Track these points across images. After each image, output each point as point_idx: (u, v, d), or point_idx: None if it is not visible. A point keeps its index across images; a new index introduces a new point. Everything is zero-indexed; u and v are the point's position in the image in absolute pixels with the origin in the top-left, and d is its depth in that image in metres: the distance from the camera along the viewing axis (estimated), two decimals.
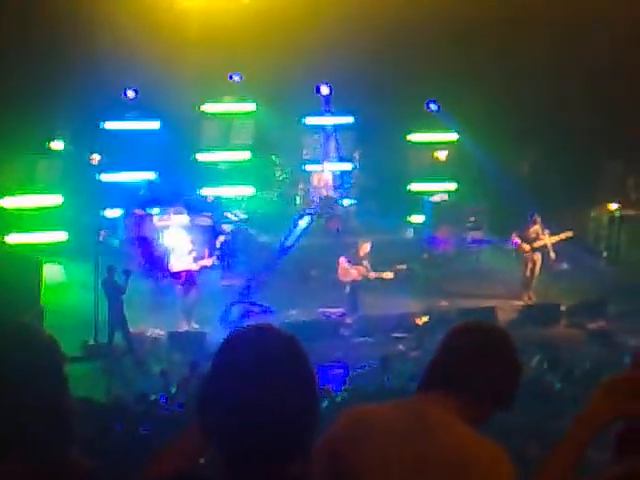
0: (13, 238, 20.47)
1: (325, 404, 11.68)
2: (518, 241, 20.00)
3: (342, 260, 18.88)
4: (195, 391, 2.71)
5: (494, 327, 3.65)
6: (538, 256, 19.91)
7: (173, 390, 13.95)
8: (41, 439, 2.97)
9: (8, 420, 2.93)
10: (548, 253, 19.83)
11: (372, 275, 18.78)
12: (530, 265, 19.99)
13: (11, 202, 20.65)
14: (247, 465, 2.57)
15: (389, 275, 18.83)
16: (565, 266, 21.10)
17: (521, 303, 19.63)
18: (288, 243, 20.90)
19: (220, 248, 20.32)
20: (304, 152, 24.49)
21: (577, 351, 15.99)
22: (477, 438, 3.32)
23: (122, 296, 17.07)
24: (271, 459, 2.57)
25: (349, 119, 24.22)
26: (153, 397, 12.97)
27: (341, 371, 15.19)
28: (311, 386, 2.64)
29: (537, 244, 19.87)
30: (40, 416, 2.97)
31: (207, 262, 18.98)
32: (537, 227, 19.92)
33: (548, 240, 19.76)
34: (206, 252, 19.29)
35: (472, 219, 22.95)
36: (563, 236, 19.87)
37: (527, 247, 19.88)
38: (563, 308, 19.19)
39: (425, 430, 3.32)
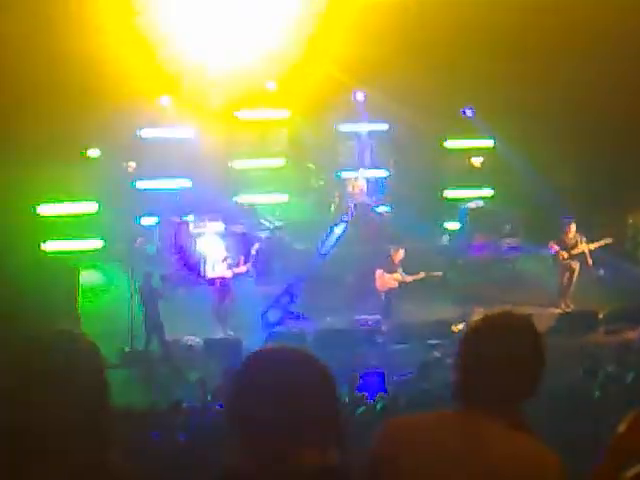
0: (50, 245, 20.60)
1: (362, 410, 11.65)
2: (556, 248, 19.86)
3: (378, 272, 18.90)
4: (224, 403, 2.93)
5: (511, 320, 3.46)
6: (576, 263, 19.74)
7: (209, 398, 13.96)
8: (82, 444, 2.98)
9: (49, 425, 2.94)
10: (585, 260, 19.66)
11: (408, 279, 18.82)
12: (567, 273, 19.82)
13: (48, 210, 20.78)
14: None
15: (422, 275, 18.93)
16: (602, 273, 20.92)
17: (558, 311, 19.47)
18: (323, 250, 20.88)
19: (255, 255, 20.32)
20: (339, 159, 24.46)
21: (615, 359, 15.80)
22: (536, 447, 3.26)
23: (159, 302, 17.17)
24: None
25: (384, 126, 24.18)
26: (185, 405, 12.95)
27: (377, 378, 15.12)
28: (329, 398, 2.86)
29: (575, 251, 19.72)
30: (81, 421, 2.97)
31: (242, 269, 19.02)
32: (574, 234, 19.75)
33: (586, 247, 19.59)
34: (241, 259, 19.32)
35: (508, 226, 22.78)
36: (602, 243, 19.68)
37: (565, 254, 19.72)
38: (601, 315, 19.00)
39: (480, 446, 3.26)
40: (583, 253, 19.65)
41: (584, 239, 19.69)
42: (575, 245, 19.71)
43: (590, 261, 19.69)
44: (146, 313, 17.31)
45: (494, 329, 3.38)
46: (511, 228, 22.70)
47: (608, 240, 19.70)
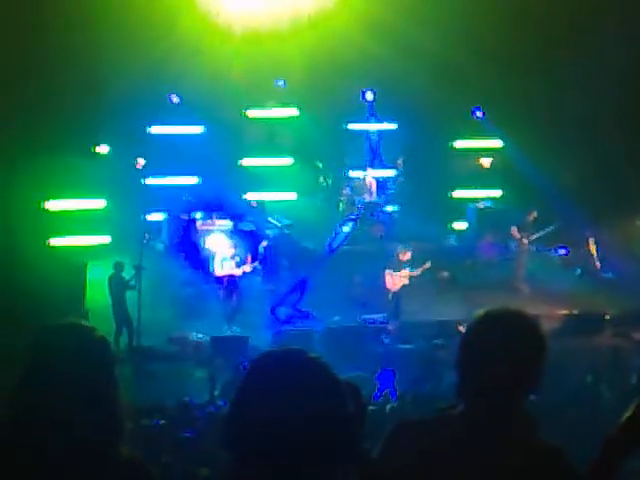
0: (58, 241, 20.61)
1: (389, 407, 11.72)
2: (517, 236, 21.04)
3: (387, 273, 18.91)
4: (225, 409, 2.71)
5: (509, 316, 3.43)
6: (527, 247, 21.08)
7: (216, 393, 13.98)
8: (94, 435, 2.99)
9: (62, 419, 2.95)
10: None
11: (417, 272, 18.83)
12: (522, 257, 21.10)
13: (56, 205, 20.77)
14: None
15: (428, 264, 18.98)
16: (610, 275, 20.88)
17: (565, 312, 19.42)
18: (331, 249, 20.88)
19: (263, 253, 20.33)
20: (347, 158, 24.43)
21: (622, 361, 15.79)
22: (541, 444, 3.26)
23: (126, 293, 17.22)
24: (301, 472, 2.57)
25: (393, 125, 24.16)
26: (191, 401, 12.98)
27: (390, 376, 15.12)
28: (336, 407, 2.63)
29: (532, 238, 20.97)
30: (93, 414, 2.98)
31: (248, 268, 19.02)
32: (534, 222, 20.94)
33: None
34: (249, 257, 19.32)
35: (515, 227, 22.79)
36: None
37: (525, 240, 20.93)
38: (608, 317, 18.97)
39: (484, 448, 3.25)
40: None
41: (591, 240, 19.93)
42: (532, 232, 20.89)
43: (598, 264, 19.69)
44: (114, 304, 17.41)
45: (492, 324, 3.37)
46: (519, 228, 22.69)
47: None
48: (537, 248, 21.84)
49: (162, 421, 11.27)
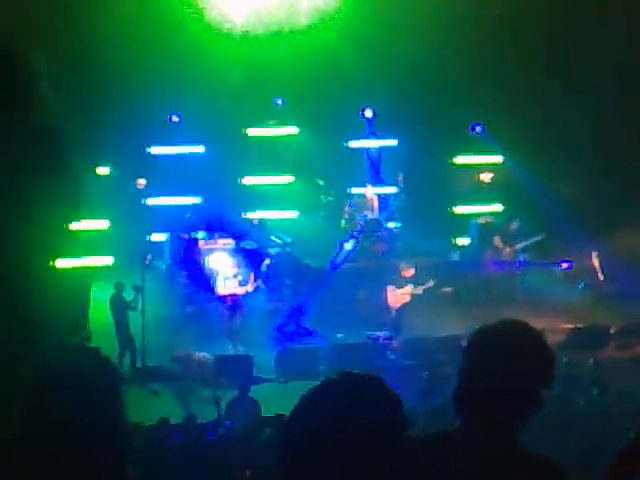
0: (61, 262, 20.56)
1: None
2: (501, 245, 21.86)
3: (389, 289, 18.92)
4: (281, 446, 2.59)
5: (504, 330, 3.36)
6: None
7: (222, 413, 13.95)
8: (100, 458, 2.98)
9: (67, 439, 2.95)
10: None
11: (419, 290, 18.84)
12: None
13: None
14: None
15: (431, 283, 19.11)
16: (613, 288, 20.85)
17: (569, 326, 19.42)
18: (333, 266, 20.87)
19: (265, 271, 20.32)
20: (348, 175, 24.42)
21: (627, 374, 15.76)
22: (537, 460, 3.23)
23: (128, 313, 17.24)
24: None
25: (393, 142, 24.16)
26: (199, 421, 12.97)
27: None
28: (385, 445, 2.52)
29: (516, 247, 21.92)
30: (99, 435, 2.98)
31: (251, 287, 19.02)
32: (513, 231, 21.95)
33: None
34: (251, 276, 19.33)
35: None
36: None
37: (508, 249, 21.77)
38: (612, 330, 18.94)
39: (481, 466, 3.21)
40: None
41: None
42: (516, 242, 21.76)
43: (601, 277, 19.69)
44: (116, 325, 17.42)
45: (494, 337, 3.31)
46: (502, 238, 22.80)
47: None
48: (539, 263, 21.89)
49: (176, 440, 11.27)
